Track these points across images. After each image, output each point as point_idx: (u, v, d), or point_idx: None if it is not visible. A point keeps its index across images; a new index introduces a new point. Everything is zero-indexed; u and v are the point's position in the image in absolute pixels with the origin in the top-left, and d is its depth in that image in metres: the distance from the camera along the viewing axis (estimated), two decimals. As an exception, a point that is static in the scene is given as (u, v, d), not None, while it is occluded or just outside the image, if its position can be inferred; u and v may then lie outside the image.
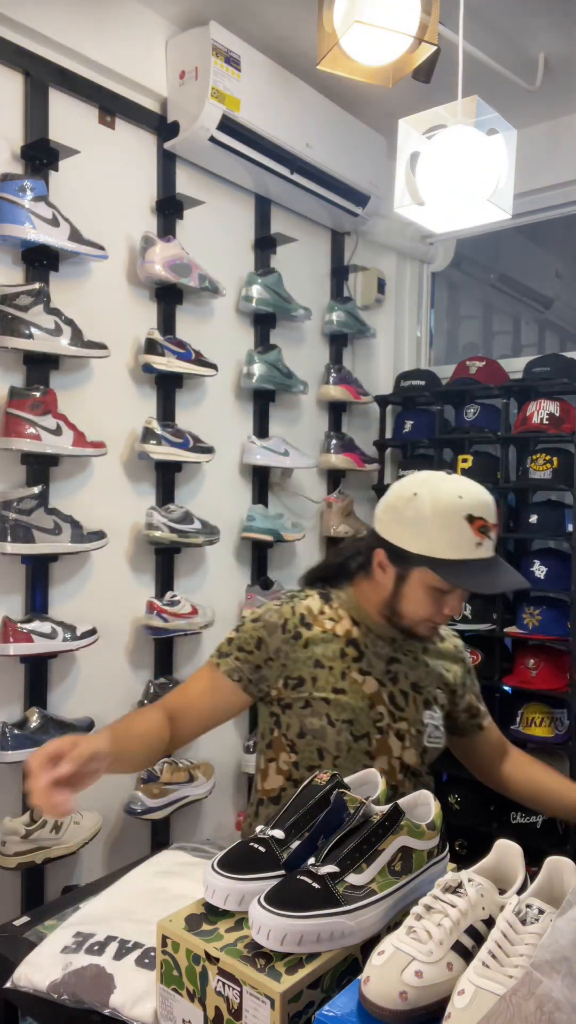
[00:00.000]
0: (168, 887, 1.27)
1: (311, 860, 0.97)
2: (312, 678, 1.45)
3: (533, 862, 0.96)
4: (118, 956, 1.09)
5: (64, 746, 1.11)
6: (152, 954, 1.06)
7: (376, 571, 1.46)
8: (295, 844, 1.01)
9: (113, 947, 1.11)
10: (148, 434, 2.26)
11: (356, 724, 1.44)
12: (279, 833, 1.03)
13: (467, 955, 0.86)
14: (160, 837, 2.38)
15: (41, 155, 2.03)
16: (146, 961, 1.07)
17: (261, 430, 2.75)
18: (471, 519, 1.32)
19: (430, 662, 1.55)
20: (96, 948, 1.11)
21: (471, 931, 0.88)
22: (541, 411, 2.62)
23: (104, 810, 2.19)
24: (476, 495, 1.36)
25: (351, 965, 0.92)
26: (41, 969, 1.10)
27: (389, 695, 1.48)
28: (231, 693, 1.47)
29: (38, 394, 1.97)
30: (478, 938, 0.87)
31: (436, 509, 1.33)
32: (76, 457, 2.11)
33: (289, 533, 2.69)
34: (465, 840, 2.66)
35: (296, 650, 1.46)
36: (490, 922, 0.89)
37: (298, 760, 1.46)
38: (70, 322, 2.02)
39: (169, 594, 2.34)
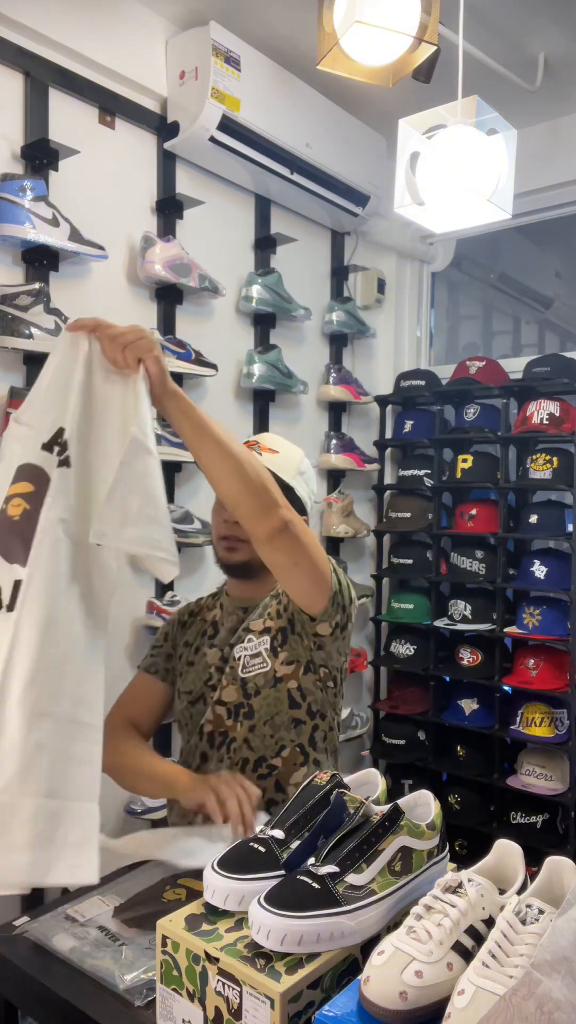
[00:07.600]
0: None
1: (311, 860, 0.97)
2: (180, 655, 1.66)
3: (533, 862, 0.96)
4: None
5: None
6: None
7: None
8: (295, 844, 1.01)
9: None
10: (148, 434, 2.26)
11: (194, 692, 1.59)
12: (279, 833, 1.03)
13: (467, 955, 0.86)
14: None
15: (41, 155, 2.03)
16: None
17: (261, 430, 2.75)
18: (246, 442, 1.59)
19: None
20: None
21: (471, 931, 0.88)
22: (541, 411, 2.63)
23: (104, 810, 2.17)
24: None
25: (351, 965, 0.92)
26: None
27: (223, 655, 1.59)
28: (150, 686, 1.66)
29: (38, 394, 1.97)
30: (478, 938, 0.87)
31: None
32: (76, 457, 2.10)
33: (289, 533, 2.69)
34: (465, 840, 2.65)
35: (180, 635, 1.69)
36: (490, 922, 0.89)
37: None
38: (70, 322, 2.02)
39: (169, 594, 2.34)
